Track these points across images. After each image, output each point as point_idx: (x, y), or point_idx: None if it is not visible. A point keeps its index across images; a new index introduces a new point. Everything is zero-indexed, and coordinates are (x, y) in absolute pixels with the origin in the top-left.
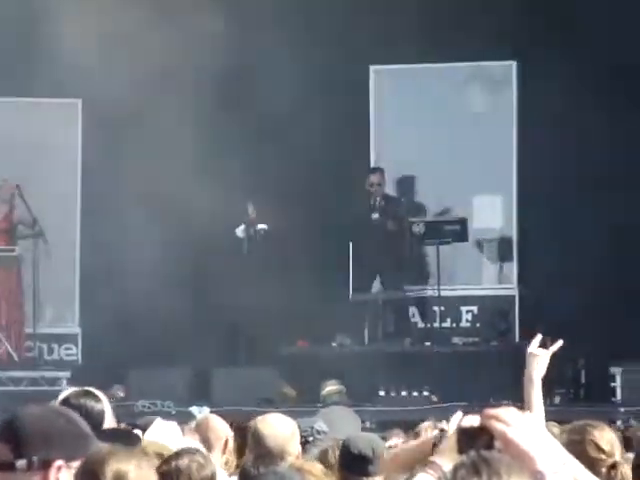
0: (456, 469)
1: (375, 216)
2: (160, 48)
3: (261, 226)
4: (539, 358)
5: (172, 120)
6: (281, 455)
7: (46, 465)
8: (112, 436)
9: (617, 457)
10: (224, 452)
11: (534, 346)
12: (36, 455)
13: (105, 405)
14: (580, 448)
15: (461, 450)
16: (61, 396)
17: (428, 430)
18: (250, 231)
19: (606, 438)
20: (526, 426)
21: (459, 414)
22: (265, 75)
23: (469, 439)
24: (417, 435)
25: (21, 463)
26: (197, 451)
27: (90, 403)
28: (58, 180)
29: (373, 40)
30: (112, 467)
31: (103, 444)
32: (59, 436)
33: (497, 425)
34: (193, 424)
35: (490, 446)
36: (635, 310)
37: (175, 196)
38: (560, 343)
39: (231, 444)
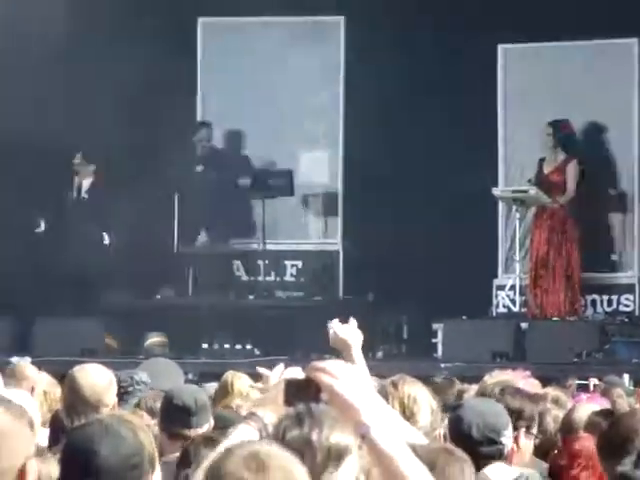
0: (281, 420)
1: (199, 168)
2: None
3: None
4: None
5: None
6: (96, 405)
7: None
8: None
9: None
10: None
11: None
12: None
13: None
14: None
15: (288, 402)
16: None
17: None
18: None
19: (411, 396)
20: (352, 379)
21: (281, 366)
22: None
23: (295, 391)
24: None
25: None
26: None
27: None
28: None
29: None
30: None
31: None
32: None
33: (323, 377)
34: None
35: (316, 398)
36: (458, 267)
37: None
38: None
39: (39, 391)
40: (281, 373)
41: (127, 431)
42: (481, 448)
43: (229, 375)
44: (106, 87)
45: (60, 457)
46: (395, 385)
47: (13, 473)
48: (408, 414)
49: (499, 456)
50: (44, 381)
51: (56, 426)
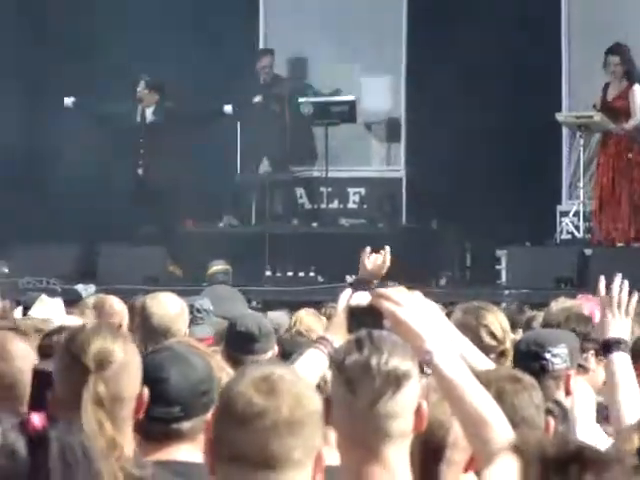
0: (343, 345)
1: (257, 98)
2: None
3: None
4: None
5: None
6: (166, 334)
7: None
8: None
9: (507, 344)
10: None
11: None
12: None
13: None
14: (474, 332)
15: (350, 329)
16: None
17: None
18: (139, 109)
19: (499, 324)
20: (415, 306)
21: (348, 291)
22: None
23: (358, 318)
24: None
25: None
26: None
27: None
28: None
29: None
30: (96, 346)
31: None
32: None
33: (387, 304)
34: (84, 302)
35: (380, 325)
36: (521, 194)
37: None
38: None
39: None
40: (348, 298)
41: (196, 358)
42: (524, 362)
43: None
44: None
45: None
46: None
47: (133, 399)
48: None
49: (541, 372)
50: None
51: None
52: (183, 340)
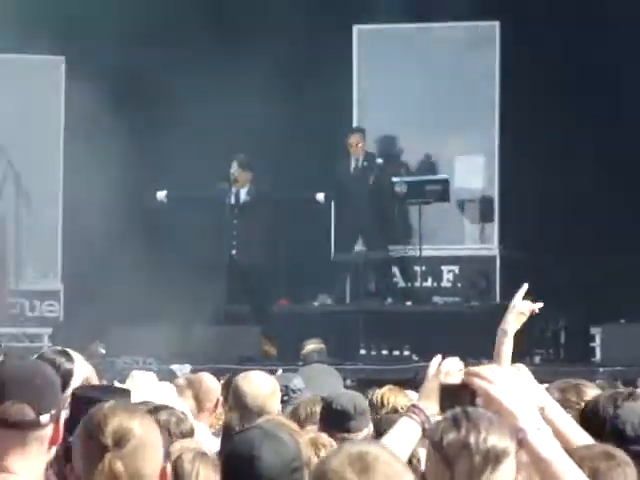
0: (438, 423)
1: (350, 177)
2: None
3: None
4: (518, 311)
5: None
6: (260, 413)
7: (57, 418)
8: (105, 392)
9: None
10: (213, 412)
11: (519, 298)
12: (51, 410)
13: (77, 366)
14: (574, 409)
15: (442, 407)
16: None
17: None
18: (233, 190)
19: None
20: (508, 384)
21: (438, 357)
22: (250, 36)
23: (451, 396)
24: None
25: (44, 419)
26: (174, 408)
27: (60, 361)
28: (41, 140)
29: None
30: (114, 424)
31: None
32: (56, 389)
33: (479, 382)
34: (179, 382)
35: (472, 403)
36: (615, 272)
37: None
38: (540, 305)
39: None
40: (438, 364)
41: (286, 436)
42: (634, 446)
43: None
44: (260, 92)
45: (221, 462)
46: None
47: (155, 477)
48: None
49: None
50: (218, 393)
51: (227, 432)
52: (274, 418)
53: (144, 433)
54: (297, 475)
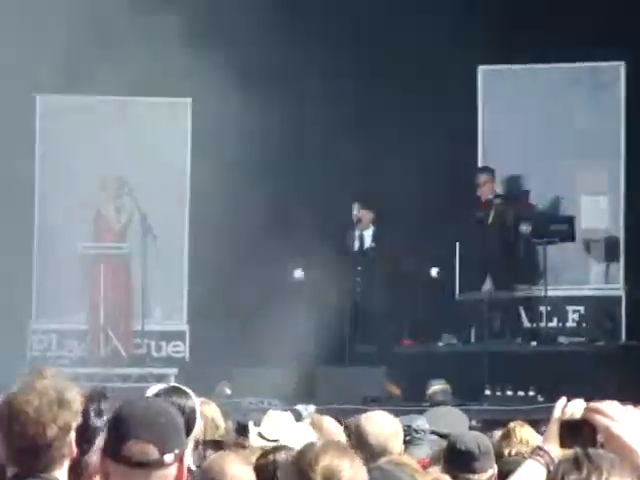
0: (559, 464)
1: (479, 215)
2: None
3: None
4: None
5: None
6: (383, 453)
7: (180, 457)
8: None
9: None
10: None
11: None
12: (175, 449)
13: (196, 403)
14: None
15: (563, 443)
16: (149, 392)
17: None
18: (357, 234)
19: None
20: (630, 421)
21: (563, 399)
22: (371, 82)
23: (572, 432)
24: None
25: (168, 458)
26: (293, 448)
27: (180, 400)
28: (167, 176)
29: (480, 40)
30: (325, 464)
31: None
32: (179, 429)
33: (600, 419)
34: (305, 422)
35: (593, 440)
36: None
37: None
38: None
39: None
40: (563, 407)
41: (406, 476)
42: None
43: (515, 424)
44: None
45: None
46: None
47: None
48: None
49: None
50: (339, 434)
51: None
52: (394, 459)
53: (353, 473)
54: None
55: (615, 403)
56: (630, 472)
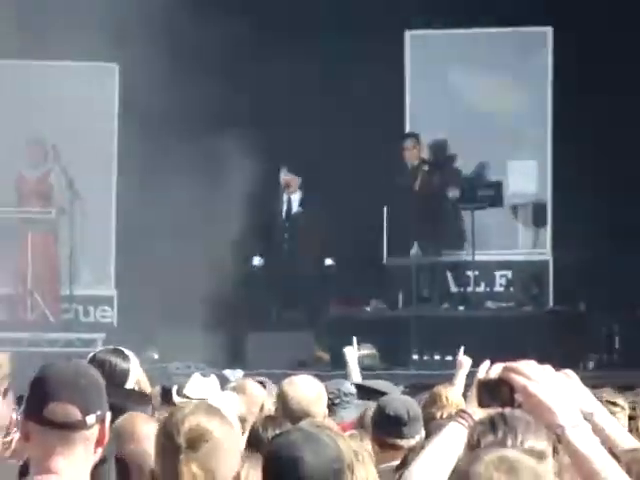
0: (475, 426)
1: (406, 180)
2: None
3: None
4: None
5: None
6: (305, 417)
7: (102, 419)
8: (126, 396)
9: None
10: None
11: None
12: (97, 410)
13: (132, 365)
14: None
15: (481, 403)
16: (92, 353)
17: None
18: (285, 198)
19: None
20: (547, 380)
21: (487, 362)
22: (298, 41)
23: (489, 392)
24: None
25: (90, 420)
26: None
27: (115, 360)
28: (93, 141)
29: (408, 5)
30: (191, 425)
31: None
32: (101, 390)
33: (517, 378)
34: (230, 386)
35: (510, 399)
36: None
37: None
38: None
39: (268, 408)
40: (487, 369)
41: (327, 438)
42: None
43: (440, 388)
44: (312, 96)
45: (264, 463)
46: None
47: (230, 478)
48: None
49: None
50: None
51: (253, 437)
52: (314, 422)
53: (221, 435)
54: (340, 477)
55: (532, 362)
56: (546, 433)
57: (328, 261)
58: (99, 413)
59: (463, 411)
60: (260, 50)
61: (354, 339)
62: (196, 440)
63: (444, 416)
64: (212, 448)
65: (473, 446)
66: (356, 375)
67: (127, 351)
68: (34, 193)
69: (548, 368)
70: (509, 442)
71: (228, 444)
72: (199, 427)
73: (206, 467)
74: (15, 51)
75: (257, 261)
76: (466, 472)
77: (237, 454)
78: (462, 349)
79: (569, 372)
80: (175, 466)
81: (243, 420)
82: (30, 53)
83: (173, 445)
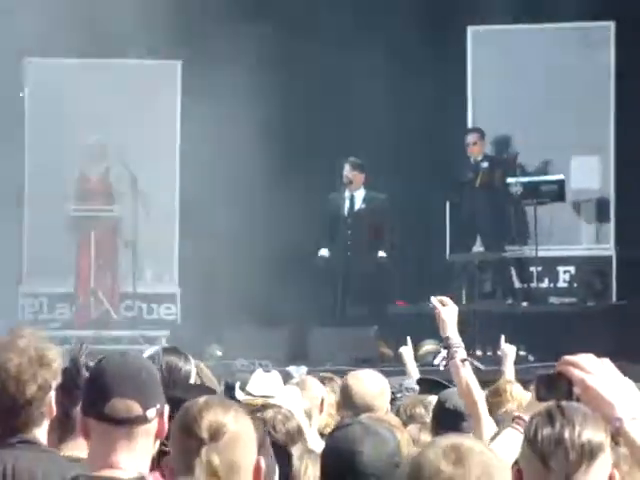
0: (533, 418)
1: (469, 175)
2: None
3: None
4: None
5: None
6: (368, 411)
7: (161, 412)
8: (186, 389)
9: None
10: (321, 412)
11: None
12: (157, 404)
13: (193, 368)
14: None
15: (539, 397)
16: (147, 353)
17: None
18: (347, 195)
19: None
20: (605, 373)
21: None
22: (358, 45)
23: (547, 386)
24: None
25: (150, 414)
26: (281, 406)
27: (179, 363)
28: (156, 139)
29: (471, 1)
30: (209, 418)
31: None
32: (159, 384)
33: (575, 372)
34: (292, 382)
35: (569, 392)
36: None
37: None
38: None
39: (329, 403)
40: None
41: (386, 431)
42: None
43: (505, 382)
44: (376, 94)
45: (322, 457)
46: None
47: (249, 470)
48: None
49: None
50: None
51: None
52: (374, 416)
53: (237, 427)
54: (398, 471)
55: (590, 356)
56: (604, 426)
57: (381, 253)
58: (158, 407)
59: (520, 417)
60: (323, 46)
61: (408, 339)
62: (217, 432)
63: (508, 411)
64: (232, 439)
65: (530, 440)
66: (415, 374)
67: (188, 355)
68: (96, 191)
69: (606, 361)
70: (566, 434)
71: (246, 436)
72: (218, 420)
73: (228, 458)
74: (78, 50)
75: (324, 252)
76: (418, 456)
77: (254, 446)
78: (503, 338)
79: (605, 360)
80: (194, 458)
81: (308, 415)
82: (93, 52)
83: (195, 439)
